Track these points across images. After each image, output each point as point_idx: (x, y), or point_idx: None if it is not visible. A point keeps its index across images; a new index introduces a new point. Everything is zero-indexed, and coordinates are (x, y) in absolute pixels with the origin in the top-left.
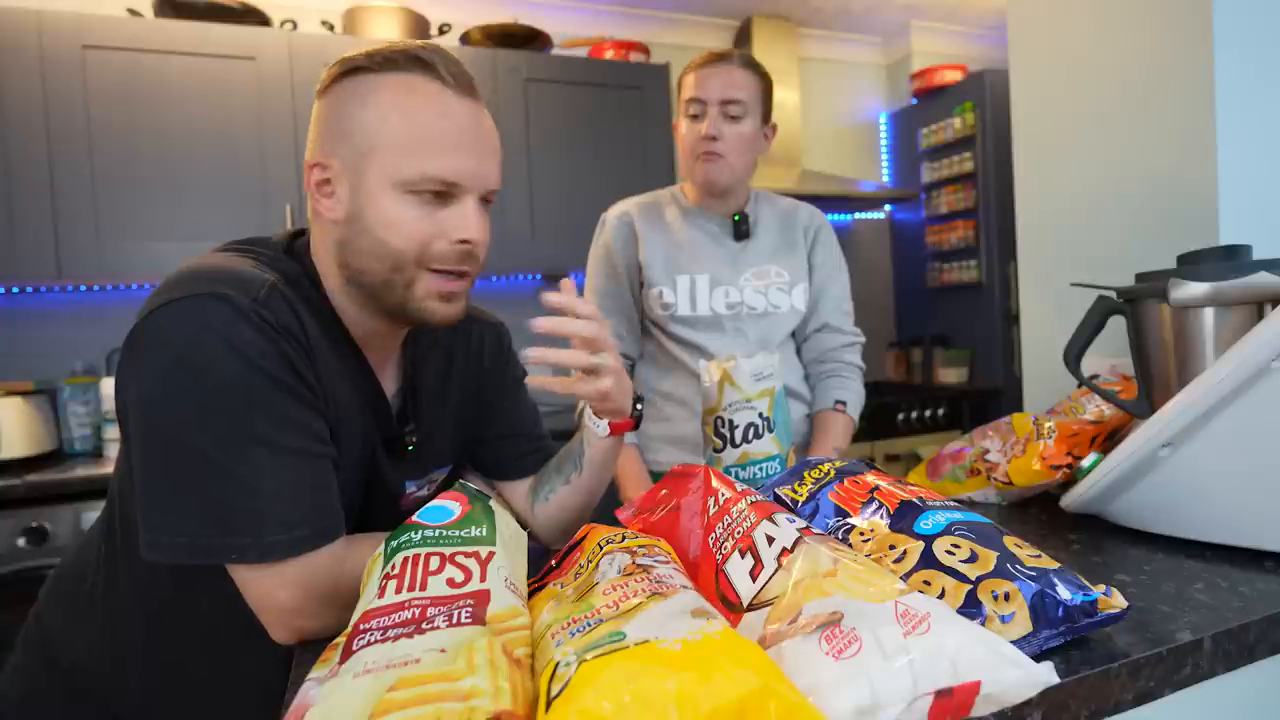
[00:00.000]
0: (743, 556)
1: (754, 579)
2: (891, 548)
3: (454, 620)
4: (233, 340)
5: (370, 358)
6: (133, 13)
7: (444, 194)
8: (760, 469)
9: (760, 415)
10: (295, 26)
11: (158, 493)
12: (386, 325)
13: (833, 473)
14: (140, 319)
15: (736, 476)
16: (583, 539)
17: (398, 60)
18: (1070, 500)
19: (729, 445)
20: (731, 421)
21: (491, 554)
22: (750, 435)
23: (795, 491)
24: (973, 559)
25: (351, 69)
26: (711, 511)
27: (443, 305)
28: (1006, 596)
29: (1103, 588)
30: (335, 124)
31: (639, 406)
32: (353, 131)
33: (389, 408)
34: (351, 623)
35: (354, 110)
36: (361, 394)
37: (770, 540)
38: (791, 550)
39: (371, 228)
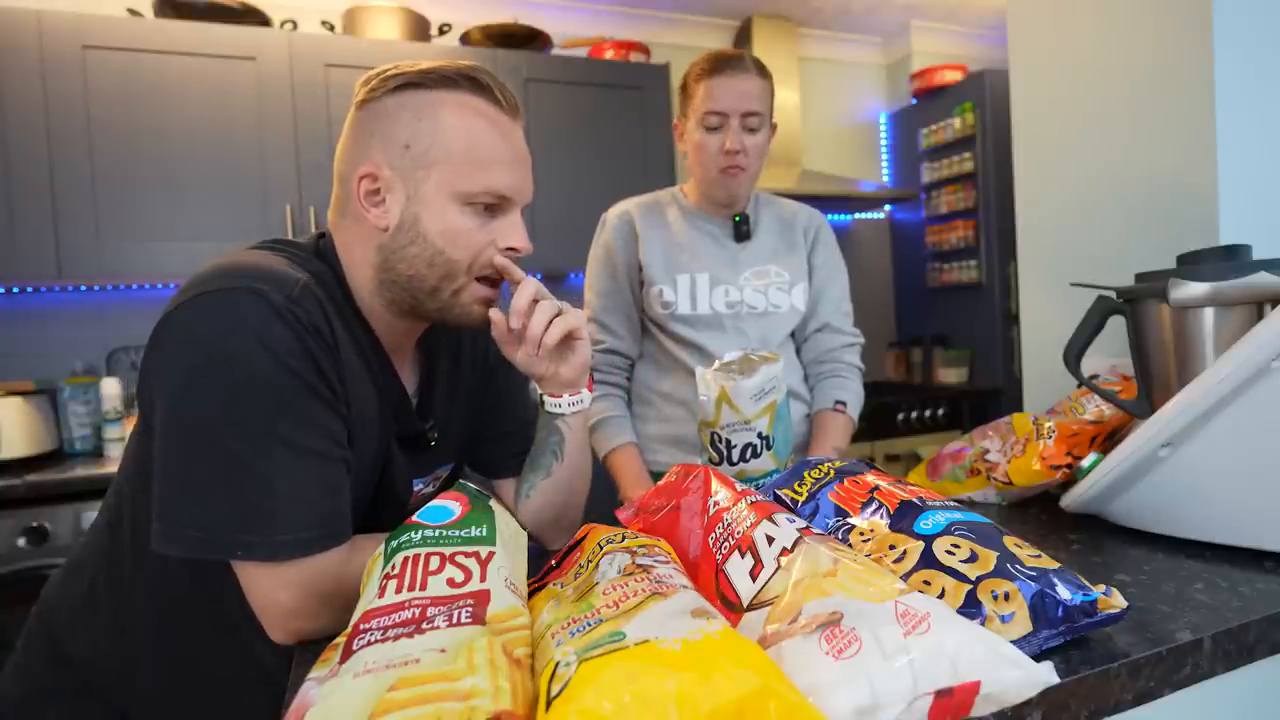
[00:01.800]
0: (743, 556)
1: (754, 579)
2: (891, 548)
3: (454, 620)
4: (265, 337)
5: (393, 358)
6: (133, 13)
7: (495, 206)
8: (757, 485)
9: (759, 435)
10: (295, 26)
11: (176, 485)
12: (412, 325)
13: (832, 473)
14: (171, 311)
15: None
16: (583, 539)
17: (457, 80)
18: (1070, 500)
19: (725, 461)
20: (729, 441)
21: (491, 554)
22: (748, 455)
23: (795, 491)
24: (973, 559)
25: (404, 84)
26: (711, 511)
27: (482, 309)
28: (1006, 596)
29: (1103, 588)
30: (387, 135)
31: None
32: (410, 144)
33: (411, 406)
34: (351, 623)
35: (410, 123)
36: (382, 394)
37: (770, 540)
38: (791, 550)
39: (427, 236)
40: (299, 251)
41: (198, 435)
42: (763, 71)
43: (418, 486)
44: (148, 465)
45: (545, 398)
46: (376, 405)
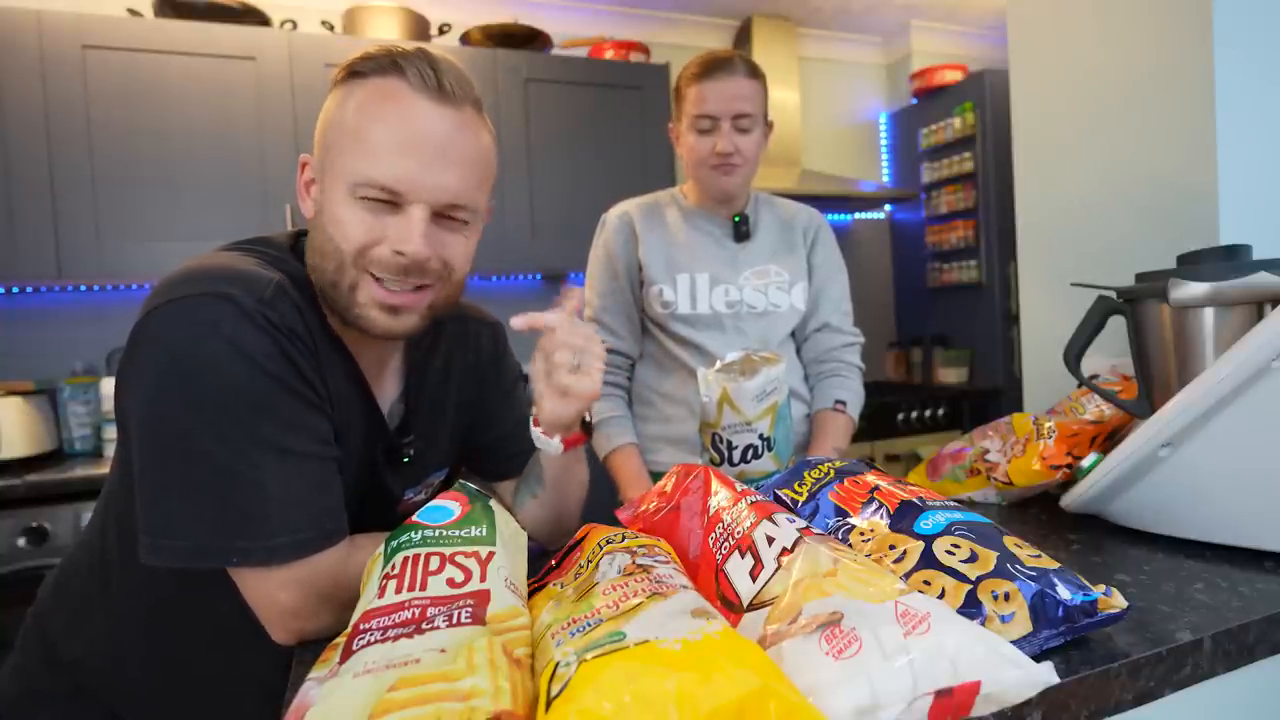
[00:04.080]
0: (743, 556)
1: (754, 579)
2: (891, 548)
3: (454, 620)
4: (236, 341)
5: (364, 363)
6: (133, 13)
7: (392, 202)
8: (757, 486)
9: (760, 436)
10: (295, 26)
11: (158, 496)
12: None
13: (833, 473)
14: (140, 319)
15: None
16: (583, 539)
17: (381, 64)
18: (1070, 500)
19: (726, 463)
20: (730, 442)
21: (491, 554)
22: (749, 456)
23: (795, 491)
24: (973, 559)
25: (351, 73)
26: (711, 511)
27: (384, 316)
28: (1006, 596)
29: (1103, 588)
30: (320, 126)
31: (587, 418)
32: (326, 133)
33: (382, 415)
34: (351, 623)
35: (332, 112)
36: (360, 399)
37: (770, 540)
38: (791, 550)
39: (325, 225)
40: (271, 250)
41: (173, 444)
42: (753, 72)
43: (410, 495)
44: (130, 472)
45: (533, 427)
46: (359, 408)
